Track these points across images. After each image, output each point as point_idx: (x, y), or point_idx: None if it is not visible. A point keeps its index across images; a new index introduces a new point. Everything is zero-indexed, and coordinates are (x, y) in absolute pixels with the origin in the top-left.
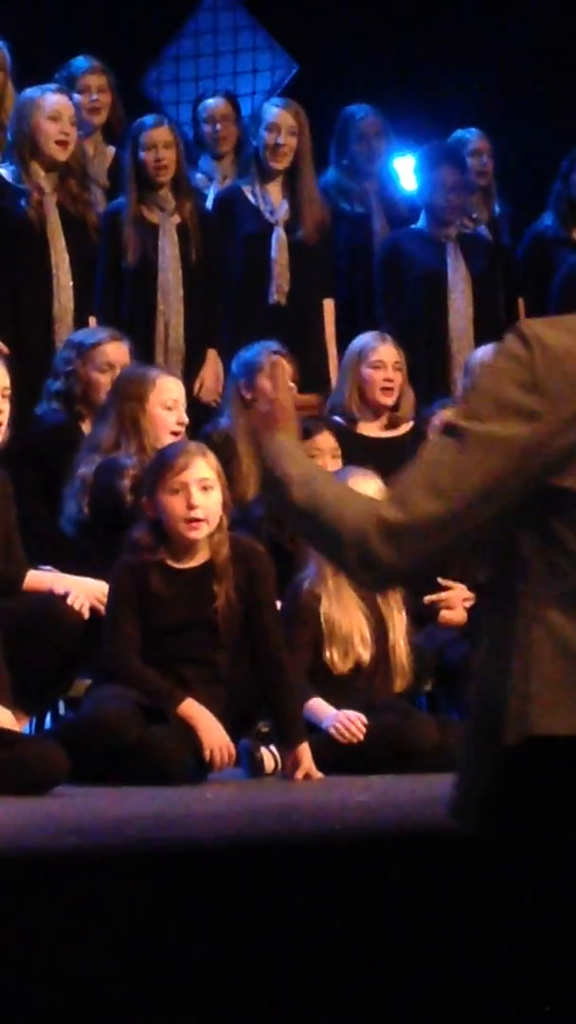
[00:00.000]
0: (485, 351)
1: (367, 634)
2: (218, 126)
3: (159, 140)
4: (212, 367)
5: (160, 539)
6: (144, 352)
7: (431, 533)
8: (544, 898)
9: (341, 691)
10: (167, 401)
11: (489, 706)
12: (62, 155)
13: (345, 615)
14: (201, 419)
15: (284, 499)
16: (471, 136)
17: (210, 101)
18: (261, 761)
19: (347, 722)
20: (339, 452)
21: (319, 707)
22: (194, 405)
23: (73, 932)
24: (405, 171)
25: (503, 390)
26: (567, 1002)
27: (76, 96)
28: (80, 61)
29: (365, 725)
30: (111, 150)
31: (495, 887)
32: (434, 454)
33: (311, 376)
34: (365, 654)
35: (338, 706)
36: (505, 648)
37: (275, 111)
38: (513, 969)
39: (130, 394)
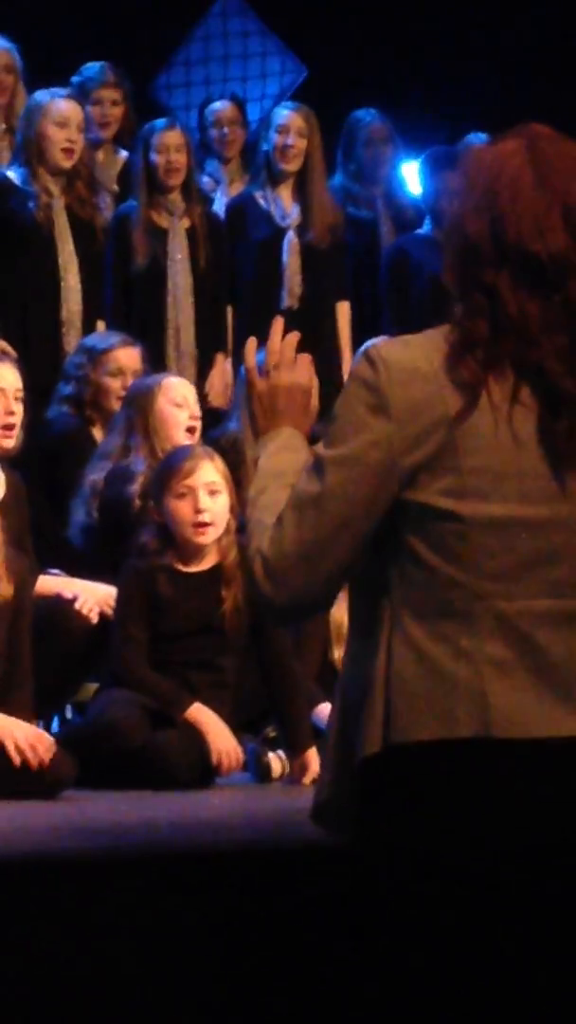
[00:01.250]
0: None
1: None
2: (225, 130)
3: (171, 143)
4: (220, 371)
5: (167, 543)
6: (155, 357)
7: (301, 565)
8: (409, 911)
9: None
10: (176, 398)
11: (351, 713)
12: (67, 163)
13: None
14: (209, 424)
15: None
16: (480, 142)
17: (216, 105)
18: (268, 766)
19: None
20: None
21: (328, 713)
22: (203, 410)
23: (79, 936)
24: (412, 176)
25: (353, 414)
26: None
27: (88, 108)
28: (96, 70)
29: None
30: (122, 156)
31: (366, 898)
32: (300, 485)
33: (323, 379)
34: None
35: None
36: (367, 656)
37: (286, 113)
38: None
39: (138, 400)
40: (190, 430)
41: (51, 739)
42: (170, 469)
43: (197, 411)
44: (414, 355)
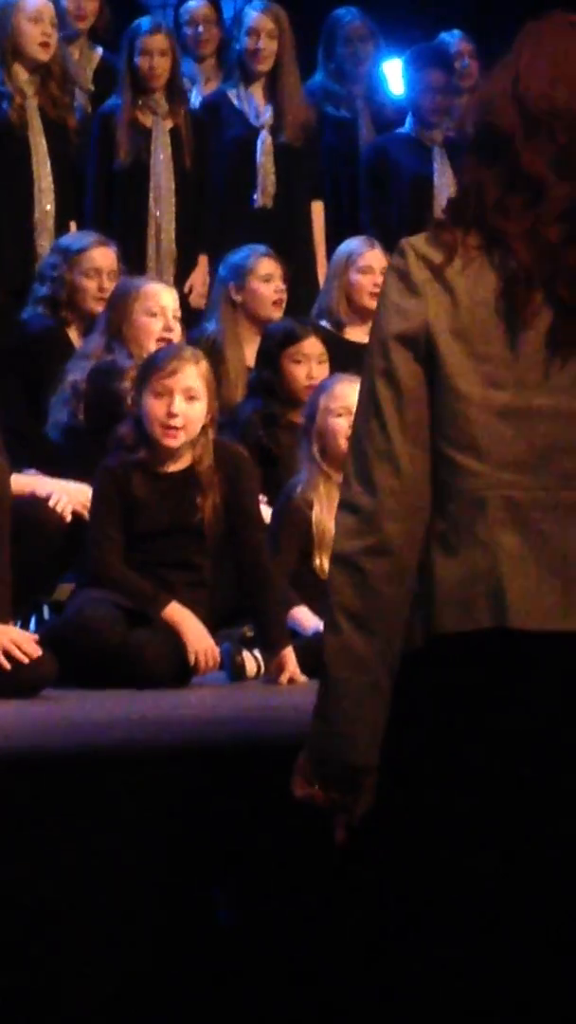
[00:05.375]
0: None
1: None
2: (200, 29)
3: (155, 47)
4: (202, 272)
5: (142, 439)
6: (136, 257)
7: (411, 479)
8: (439, 815)
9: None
10: (152, 307)
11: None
12: (44, 56)
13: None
14: (192, 324)
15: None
16: (454, 39)
17: (192, 3)
18: (242, 665)
19: None
20: (326, 357)
21: (303, 616)
22: (184, 309)
23: (58, 832)
24: (393, 75)
25: (389, 302)
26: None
27: (63, 2)
28: None
29: None
30: (98, 52)
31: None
32: (361, 388)
33: (298, 279)
34: None
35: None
36: None
37: (254, 15)
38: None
39: (117, 304)
40: (163, 340)
41: (35, 637)
42: (154, 364)
43: (172, 321)
44: (436, 247)
